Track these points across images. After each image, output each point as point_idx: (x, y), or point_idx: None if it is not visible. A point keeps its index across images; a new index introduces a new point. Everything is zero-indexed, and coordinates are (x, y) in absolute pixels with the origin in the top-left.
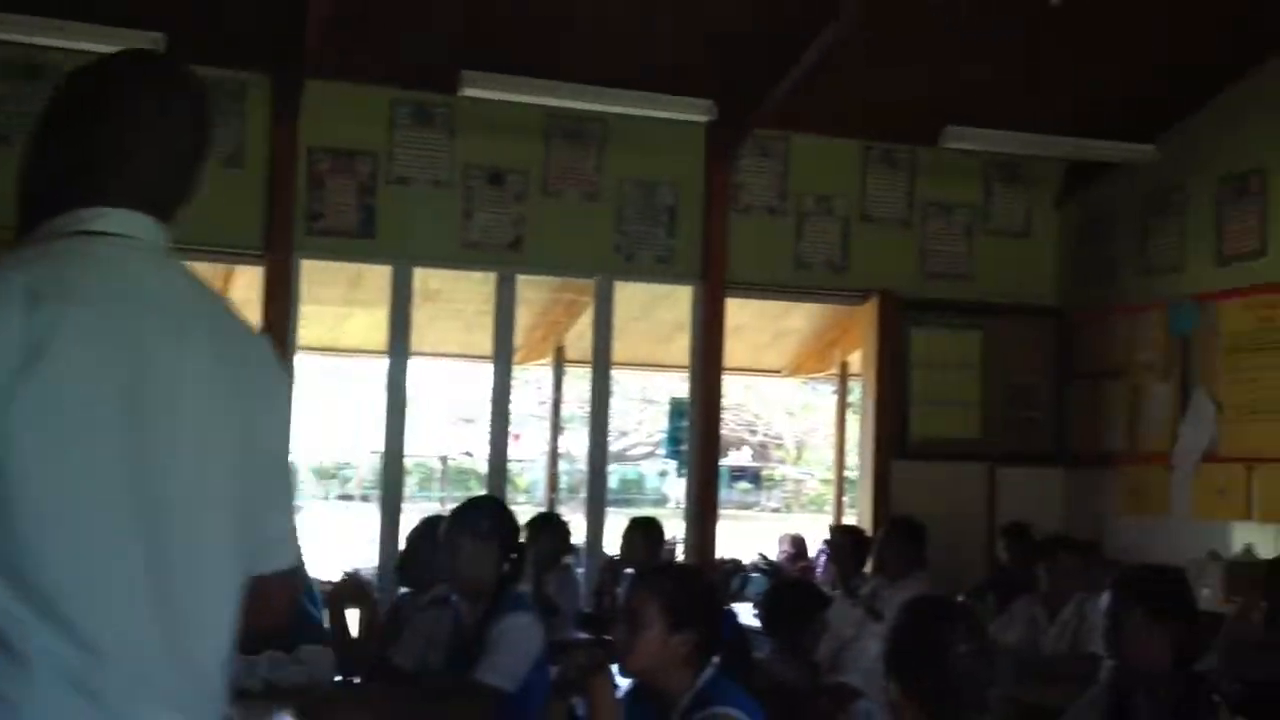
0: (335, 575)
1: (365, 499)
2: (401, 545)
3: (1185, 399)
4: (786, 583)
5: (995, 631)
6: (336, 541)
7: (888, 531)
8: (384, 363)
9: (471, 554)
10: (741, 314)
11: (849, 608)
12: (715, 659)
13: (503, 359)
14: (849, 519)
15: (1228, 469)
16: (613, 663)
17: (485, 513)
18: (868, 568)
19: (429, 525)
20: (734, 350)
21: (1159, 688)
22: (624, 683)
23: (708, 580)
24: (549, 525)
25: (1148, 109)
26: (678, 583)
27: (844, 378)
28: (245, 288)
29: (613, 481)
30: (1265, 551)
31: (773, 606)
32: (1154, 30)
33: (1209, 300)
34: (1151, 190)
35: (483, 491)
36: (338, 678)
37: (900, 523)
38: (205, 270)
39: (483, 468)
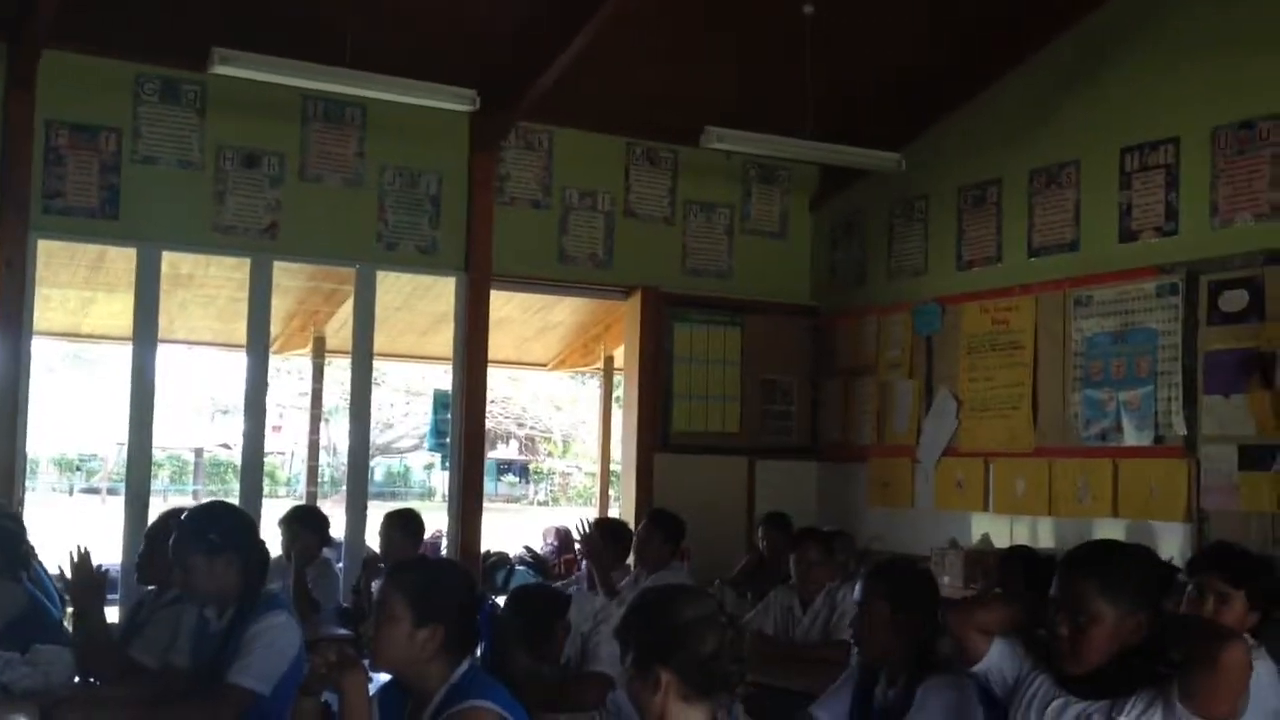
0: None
1: (114, 492)
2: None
3: (929, 396)
4: (521, 591)
5: (752, 621)
6: (81, 537)
7: (646, 524)
8: (129, 349)
9: (206, 570)
10: (506, 307)
11: (587, 601)
12: (473, 654)
13: (258, 348)
14: (614, 511)
15: (967, 463)
16: (367, 658)
17: (212, 524)
18: (630, 559)
19: (169, 520)
20: (499, 343)
21: (898, 674)
22: (382, 678)
23: (459, 573)
24: (307, 519)
25: (895, 118)
26: (425, 576)
27: (609, 372)
28: None
29: (378, 474)
30: (1000, 541)
31: (513, 616)
32: (901, 43)
33: (950, 303)
34: (898, 197)
35: (236, 484)
36: (76, 678)
37: (657, 515)
38: None
39: (240, 460)
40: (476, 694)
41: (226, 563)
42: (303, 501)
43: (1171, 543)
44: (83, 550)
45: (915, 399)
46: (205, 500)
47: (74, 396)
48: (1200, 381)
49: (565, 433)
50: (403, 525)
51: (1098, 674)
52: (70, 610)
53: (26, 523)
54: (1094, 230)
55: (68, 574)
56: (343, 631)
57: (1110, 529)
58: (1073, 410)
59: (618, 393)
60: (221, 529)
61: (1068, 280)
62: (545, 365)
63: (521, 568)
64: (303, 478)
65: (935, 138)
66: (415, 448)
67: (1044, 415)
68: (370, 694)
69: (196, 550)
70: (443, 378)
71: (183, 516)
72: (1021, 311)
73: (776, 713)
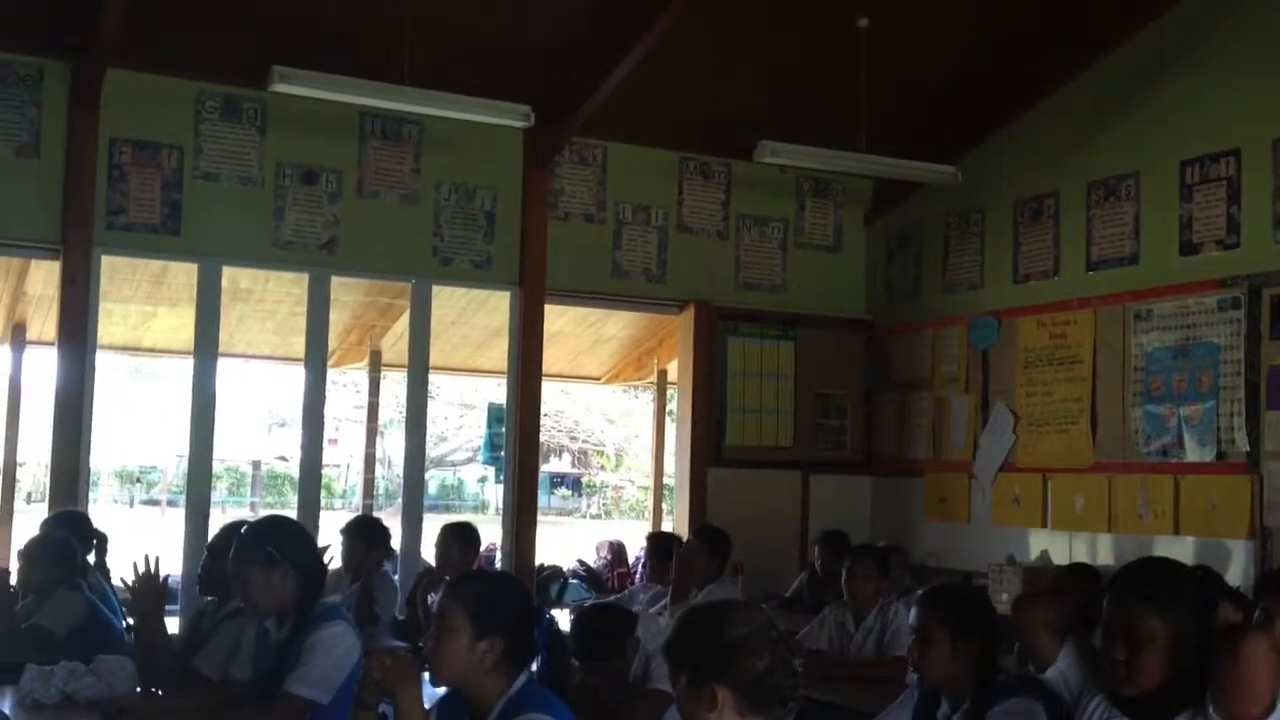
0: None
1: (173, 504)
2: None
3: (985, 411)
4: (592, 609)
5: (805, 637)
6: (142, 548)
7: (692, 539)
8: (190, 363)
9: (264, 583)
10: (560, 320)
11: (653, 620)
12: (530, 667)
13: (316, 361)
14: (667, 525)
15: (1024, 478)
16: (425, 670)
17: (271, 538)
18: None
19: (231, 533)
20: (553, 357)
21: (961, 698)
22: (437, 691)
23: (518, 586)
24: (370, 530)
25: (951, 131)
26: (485, 589)
27: (662, 385)
28: (43, 283)
29: (432, 487)
30: (1059, 558)
31: (583, 634)
32: (956, 55)
33: (1007, 317)
34: (954, 210)
35: (293, 496)
36: (138, 689)
37: (704, 530)
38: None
39: (298, 472)
40: (534, 706)
41: (284, 575)
42: (359, 513)
43: (1235, 561)
44: (151, 560)
45: (971, 414)
46: (264, 514)
47: (135, 409)
48: (1263, 396)
49: (618, 446)
50: (459, 537)
51: (1154, 695)
52: (132, 620)
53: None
54: (1154, 243)
55: (130, 583)
56: (399, 643)
57: (1172, 546)
58: (1133, 426)
59: (671, 406)
60: (280, 543)
61: (1127, 294)
62: (599, 379)
63: (575, 581)
64: (359, 490)
65: (991, 150)
66: (469, 461)
67: (1103, 430)
68: (427, 706)
69: (255, 563)
70: (497, 391)
71: (242, 531)
72: (1080, 326)
73: None
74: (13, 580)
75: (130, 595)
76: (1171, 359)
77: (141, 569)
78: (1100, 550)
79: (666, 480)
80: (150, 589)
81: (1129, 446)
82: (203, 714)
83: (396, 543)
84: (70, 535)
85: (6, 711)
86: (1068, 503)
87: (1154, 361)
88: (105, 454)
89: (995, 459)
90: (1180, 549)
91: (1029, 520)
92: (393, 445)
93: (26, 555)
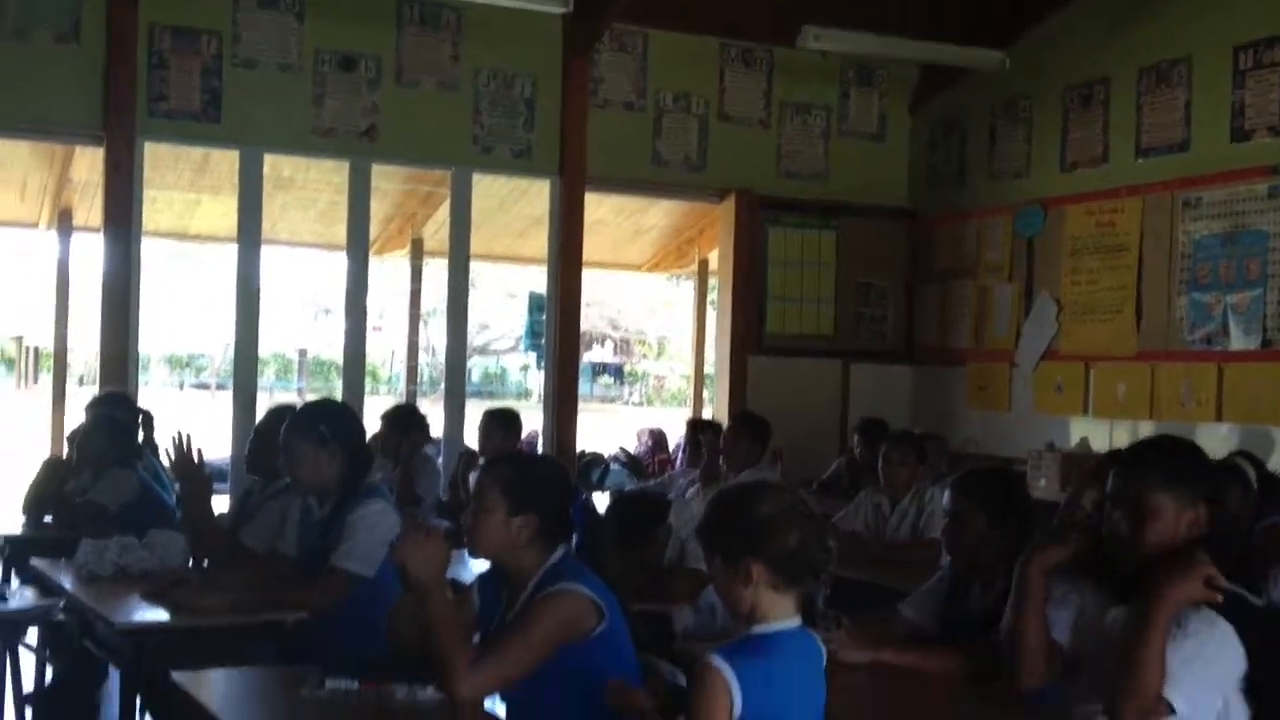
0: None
1: (222, 388)
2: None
3: (1029, 299)
4: (626, 496)
5: (841, 520)
6: (192, 429)
7: (732, 426)
8: (234, 251)
9: (313, 461)
10: (600, 209)
11: (686, 507)
12: (565, 544)
13: (358, 249)
14: (707, 413)
15: (1066, 366)
16: (463, 546)
17: (321, 418)
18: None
19: (278, 415)
20: (593, 245)
21: (994, 579)
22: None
23: (553, 466)
24: (405, 417)
25: (999, 15)
26: (519, 468)
27: (703, 274)
28: (87, 169)
29: (475, 375)
30: (1099, 445)
31: (617, 520)
32: None
33: (1053, 205)
34: (1001, 97)
35: (338, 383)
36: (189, 562)
37: (745, 417)
38: (43, 151)
39: (342, 359)
40: (569, 579)
41: (332, 455)
42: (403, 400)
43: (1277, 449)
44: (185, 437)
45: (1015, 302)
46: (313, 397)
47: (182, 296)
48: None
49: (660, 335)
50: (501, 422)
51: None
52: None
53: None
54: (1205, 130)
55: (170, 461)
56: (444, 523)
57: (1214, 434)
58: (1178, 314)
59: (712, 296)
60: (330, 423)
61: (1176, 181)
62: (639, 268)
63: (616, 467)
64: (402, 377)
65: (1040, 36)
66: (511, 349)
67: (1148, 319)
68: (469, 582)
69: (306, 441)
70: (538, 280)
71: (295, 410)
72: (1128, 214)
73: (864, 606)
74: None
75: (173, 471)
76: (1219, 247)
77: (178, 448)
78: (1142, 437)
79: (708, 370)
80: (187, 465)
81: (1173, 335)
82: (251, 587)
83: (439, 429)
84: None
85: (64, 584)
86: (1110, 390)
87: (1201, 249)
88: (154, 339)
89: (1038, 347)
90: (1222, 436)
91: (1070, 408)
92: (436, 333)
93: (83, 433)
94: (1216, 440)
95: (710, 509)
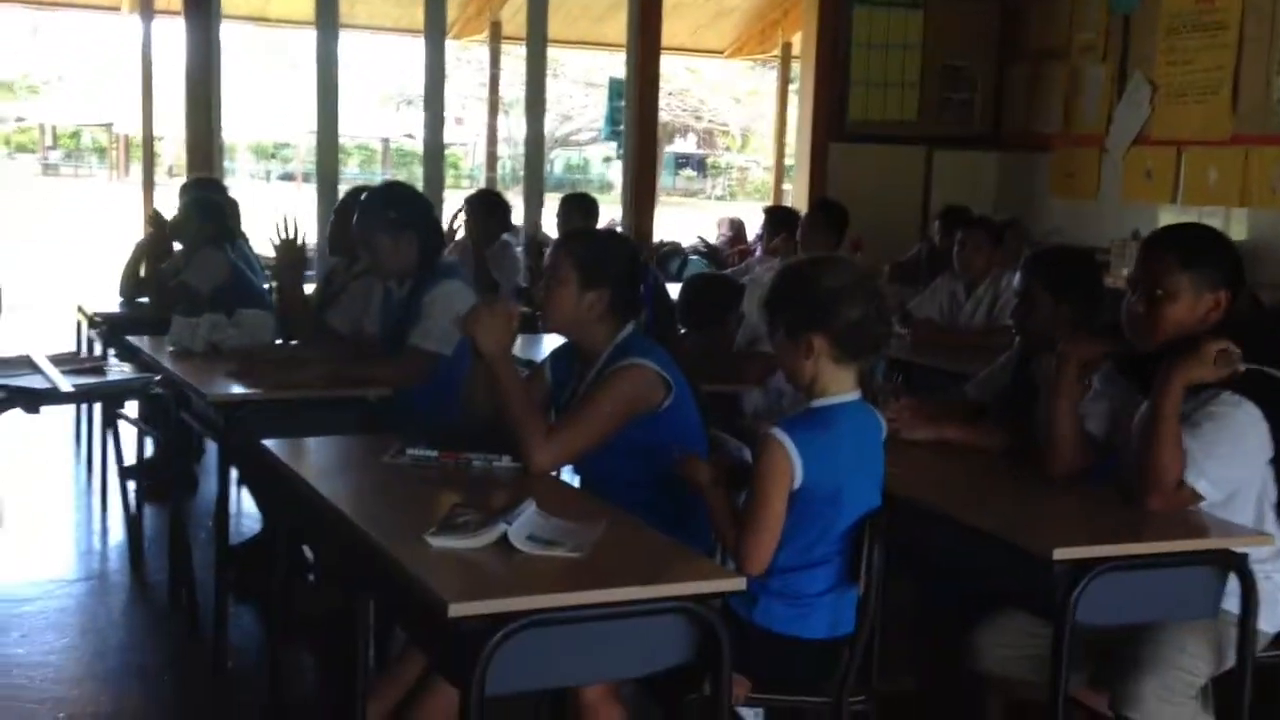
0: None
1: (309, 179)
2: None
3: (1122, 81)
4: (699, 278)
5: (917, 306)
6: (275, 218)
7: (810, 212)
8: (313, 35)
9: (390, 247)
10: None
11: (759, 292)
12: (635, 321)
13: (435, 32)
14: (787, 202)
15: (1158, 152)
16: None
17: (392, 202)
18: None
19: (356, 195)
20: (673, 29)
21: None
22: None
23: (624, 242)
24: (487, 203)
25: None
26: (592, 243)
27: (785, 60)
28: None
29: (557, 167)
30: None
31: (689, 302)
32: None
33: None
34: None
35: (419, 172)
36: (278, 341)
37: (822, 203)
38: None
39: (423, 149)
40: (638, 353)
41: (408, 240)
42: (483, 186)
43: None
44: (290, 223)
45: (1107, 84)
46: (386, 180)
47: (266, 85)
48: None
49: (743, 126)
50: (579, 208)
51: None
52: (273, 281)
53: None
54: None
55: (275, 244)
56: (523, 308)
57: None
58: (1276, 95)
59: (795, 84)
60: (400, 207)
61: None
62: (722, 52)
63: (695, 257)
64: (483, 169)
65: None
66: (593, 140)
67: (1244, 100)
68: (541, 359)
69: (379, 229)
70: (619, 67)
71: (363, 196)
72: None
73: (936, 391)
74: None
75: (275, 256)
76: None
77: (282, 231)
78: (1233, 225)
79: (788, 160)
80: (291, 250)
81: (1270, 117)
82: (338, 363)
83: (519, 218)
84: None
85: (160, 360)
86: (1201, 176)
87: None
88: (239, 128)
89: (1129, 131)
90: None
91: (1159, 195)
92: (516, 124)
93: (181, 212)
94: None
95: (775, 281)
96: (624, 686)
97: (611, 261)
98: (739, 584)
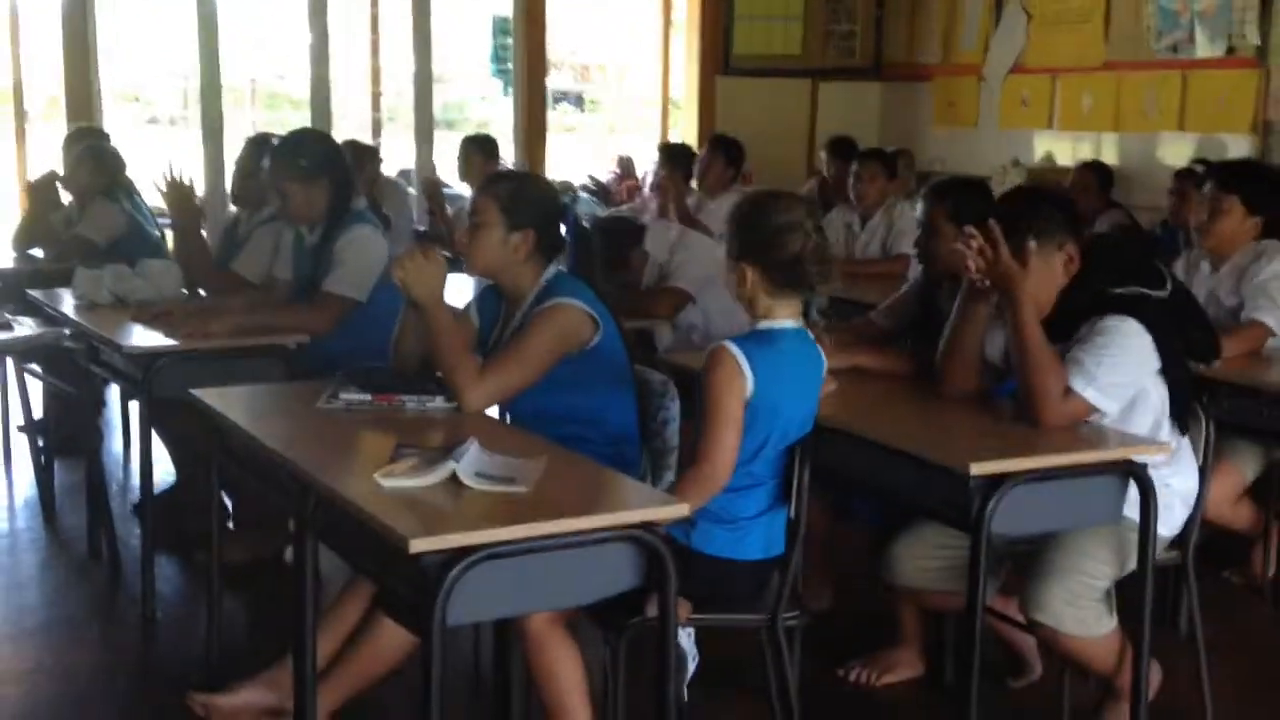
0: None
1: (174, 123)
2: (230, 168)
3: (999, 10)
4: (604, 220)
5: None
6: (153, 167)
7: (707, 150)
8: None
9: (301, 196)
10: None
11: (663, 231)
12: (558, 260)
13: None
14: (674, 138)
15: (1033, 80)
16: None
17: (305, 150)
18: (693, 183)
19: (258, 145)
20: None
21: (960, 283)
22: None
23: (545, 183)
24: (355, 151)
25: None
26: (516, 185)
27: None
28: None
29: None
30: (1063, 159)
31: (590, 246)
32: None
33: None
34: None
35: (299, 114)
36: (183, 291)
37: (718, 140)
38: None
39: (296, 91)
40: (565, 293)
41: (321, 188)
42: (366, 131)
43: (1236, 155)
44: (175, 168)
45: (984, 13)
46: (295, 128)
47: (135, 27)
48: None
49: (621, 60)
50: (480, 148)
51: (1056, 319)
52: (169, 231)
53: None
54: None
55: (163, 192)
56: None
57: (1175, 143)
58: (1145, 22)
59: (675, 16)
60: (310, 155)
61: None
62: None
63: (585, 195)
64: (363, 108)
65: None
66: (470, 76)
67: (1115, 27)
68: (464, 304)
69: (291, 176)
70: (496, 4)
71: (275, 145)
72: None
73: (838, 319)
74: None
75: (166, 204)
76: None
77: (171, 179)
78: (1105, 150)
79: (672, 94)
80: (183, 196)
81: (1140, 44)
82: (250, 311)
83: (409, 160)
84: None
85: (70, 314)
86: (1075, 103)
87: None
88: (110, 73)
89: (1006, 60)
90: (1182, 145)
91: (1036, 122)
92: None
93: (72, 163)
94: (1177, 150)
95: (733, 210)
96: (567, 613)
97: (535, 202)
98: (682, 510)
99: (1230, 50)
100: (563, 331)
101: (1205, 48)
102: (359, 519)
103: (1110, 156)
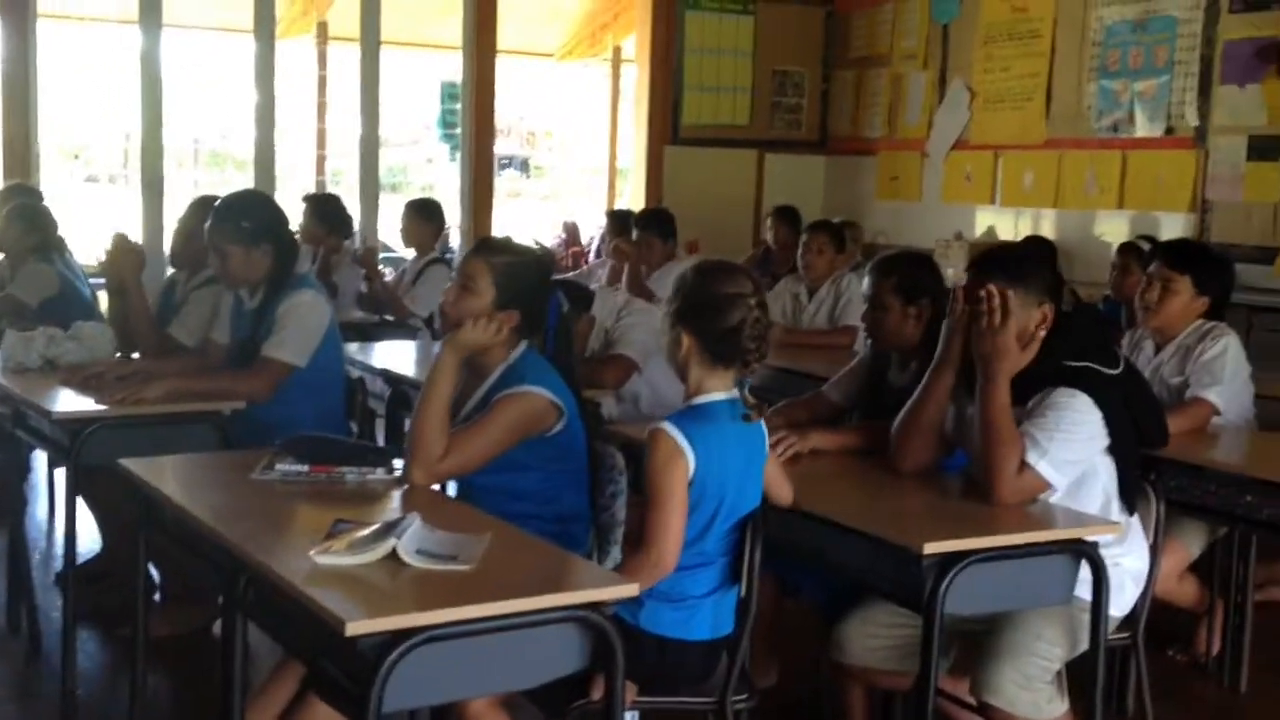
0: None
1: (113, 181)
2: (169, 227)
3: (943, 88)
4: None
5: None
6: (90, 225)
7: (641, 224)
8: (128, 33)
9: (242, 259)
10: None
11: (609, 297)
12: (531, 339)
13: (264, 33)
14: (621, 205)
15: (976, 156)
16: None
17: (249, 213)
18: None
19: (202, 206)
20: (505, 31)
21: (910, 359)
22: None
23: (542, 260)
24: (333, 210)
25: None
26: (515, 261)
27: (616, 63)
28: None
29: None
30: (1005, 233)
31: (570, 332)
32: None
33: None
34: None
35: (243, 174)
36: (117, 354)
37: (648, 219)
38: None
39: (240, 151)
40: (532, 378)
41: (263, 251)
42: (311, 191)
43: (1173, 233)
44: (122, 233)
45: (928, 90)
46: (238, 189)
47: (73, 85)
48: (1217, 71)
49: (568, 128)
50: (423, 213)
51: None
52: (105, 292)
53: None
54: None
55: (109, 253)
56: (360, 314)
57: (1115, 220)
58: (1087, 101)
59: (625, 85)
60: (253, 218)
61: None
62: (552, 55)
63: None
64: (308, 168)
65: None
66: (416, 141)
67: (1057, 106)
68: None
69: (234, 240)
70: (444, 69)
71: (216, 206)
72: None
73: (786, 390)
74: None
75: (108, 265)
76: (1130, 33)
77: (119, 241)
78: (1044, 226)
79: (621, 163)
80: (129, 257)
81: (1081, 122)
82: (187, 376)
83: (353, 223)
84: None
85: None
86: (1017, 179)
87: (1112, 35)
88: (51, 130)
89: (949, 136)
90: (1121, 222)
91: (978, 197)
92: (339, 123)
93: (2, 221)
94: (1116, 227)
95: (680, 275)
96: (510, 695)
97: (529, 283)
98: (631, 590)
99: (1169, 130)
100: (526, 419)
101: (1145, 128)
102: (292, 598)
103: (1051, 232)
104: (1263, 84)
